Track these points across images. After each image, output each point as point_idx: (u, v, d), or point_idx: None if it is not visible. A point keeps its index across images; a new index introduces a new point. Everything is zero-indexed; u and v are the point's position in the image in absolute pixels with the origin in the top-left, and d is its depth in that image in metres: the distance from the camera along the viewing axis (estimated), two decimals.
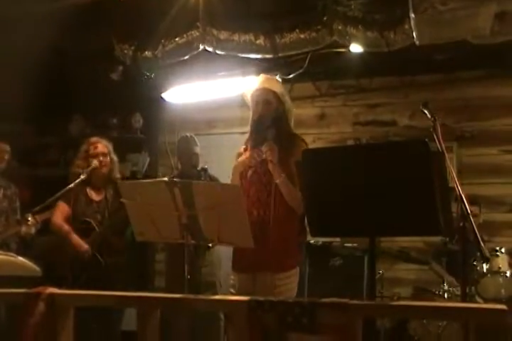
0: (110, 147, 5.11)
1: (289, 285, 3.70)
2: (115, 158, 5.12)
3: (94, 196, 5.01)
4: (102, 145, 5.04)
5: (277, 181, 3.65)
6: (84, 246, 4.75)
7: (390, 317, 4.67)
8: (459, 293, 4.91)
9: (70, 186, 4.69)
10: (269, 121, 3.78)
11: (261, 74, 4.10)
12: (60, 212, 4.91)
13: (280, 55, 5.63)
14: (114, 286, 4.66)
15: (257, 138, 3.82)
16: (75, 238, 4.77)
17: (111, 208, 4.94)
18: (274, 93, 3.84)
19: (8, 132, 6.55)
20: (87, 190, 4.99)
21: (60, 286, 3.02)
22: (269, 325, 2.44)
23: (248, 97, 3.95)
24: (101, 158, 4.95)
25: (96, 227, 4.86)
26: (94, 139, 5.11)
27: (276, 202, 3.66)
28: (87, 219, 4.87)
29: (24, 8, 5.20)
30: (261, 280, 3.65)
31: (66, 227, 4.84)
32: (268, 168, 3.71)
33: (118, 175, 5.11)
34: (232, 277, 3.90)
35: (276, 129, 3.78)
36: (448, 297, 5.10)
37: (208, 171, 4.49)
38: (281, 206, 3.68)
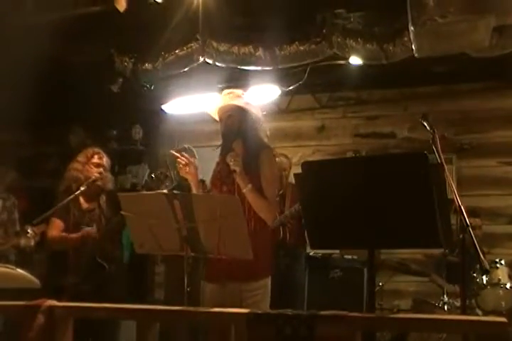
0: (109, 163, 5.08)
1: (258, 296, 3.68)
2: (110, 176, 5.08)
3: (86, 206, 4.94)
4: (105, 159, 5.01)
5: (244, 191, 3.68)
6: (93, 231, 4.72)
7: (390, 329, 4.65)
8: (459, 304, 4.90)
9: (70, 197, 4.66)
10: (235, 134, 3.82)
11: (224, 90, 4.12)
12: (55, 228, 4.87)
13: (280, 67, 5.65)
14: (116, 292, 4.66)
15: (224, 151, 3.86)
16: (75, 234, 4.74)
17: (106, 215, 4.92)
18: (236, 106, 3.87)
19: (8, 142, 6.56)
20: (79, 200, 4.93)
21: (59, 297, 3.01)
22: (268, 337, 2.44)
23: (213, 114, 3.99)
24: (101, 170, 4.93)
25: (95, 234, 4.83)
26: (98, 150, 5.08)
27: (246, 213, 3.66)
28: (83, 227, 4.84)
29: (24, 19, 5.22)
30: (229, 290, 3.67)
31: (62, 234, 4.81)
32: (235, 179, 3.74)
33: (111, 188, 5.06)
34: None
35: (243, 141, 3.81)
36: (448, 309, 5.09)
37: (205, 183, 4.48)
38: (250, 216, 3.69)
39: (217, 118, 3.96)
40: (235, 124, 3.84)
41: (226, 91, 4.05)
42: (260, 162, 3.77)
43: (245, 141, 3.83)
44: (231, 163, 3.68)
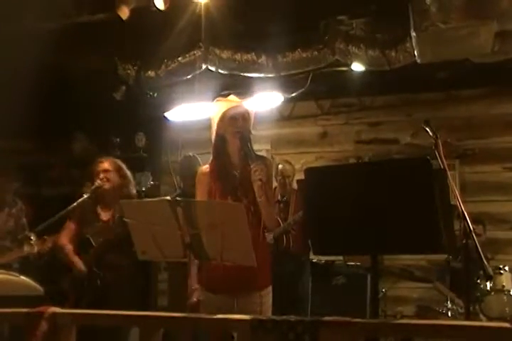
0: (118, 164, 4.99)
1: (270, 301, 3.70)
2: (128, 175, 5.01)
3: (103, 215, 4.90)
4: (107, 163, 4.93)
5: (259, 200, 3.63)
6: (82, 267, 4.70)
7: (393, 335, 4.64)
8: (462, 311, 4.89)
9: (72, 205, 4.66)
10: (247, 138, 3.74)
11: (231, 95, 4.05)
12: (66, 232, 4.88)
13: (282, 74, 5.66)
14: (113, 301, 4.62)
15: (218, 151, 3.78)
16: (75, 259, 4.73)
17: (114, 226, 4.87)
18: (248, 111, 3.81)
19: (11, 150, 6.57)
20: (97, 209, 4.91)
21: (62, 304, 3.01)
22: None
23: (215, 119, 3.79)
24: (101, 175, 4.88)
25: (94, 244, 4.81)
26: (100, 158, 5.05)
27: (258, 222, 3.65)
28: (88, 236, 4.82)
29: (27, 27, 5.24)
30: (245, 299, 3.63)
31: (68, 247, 4.81)
32: (249, 189, 3.66)
33: (133, 191, 4.99)
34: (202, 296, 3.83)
35: (249, 149, 3.74)
36: (452, 315, 5.08)
37: None
38: (258, 225, 3.67)
39: (215, 124, 3.85)
40: (247, 128, 3.78)
41: (234, 96, 4.00)
42: (267, 171, 3.72)
43: (250, 150, 3.77)
44: (259, 173, 3.55)
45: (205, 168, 3.85)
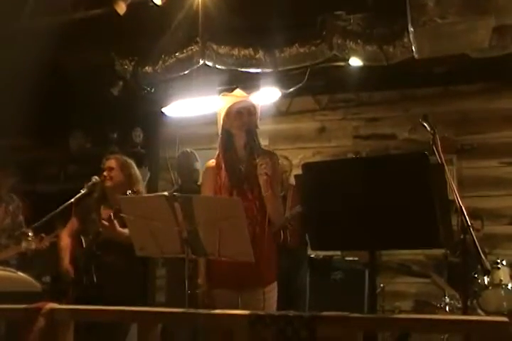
0: (123, 162, 4.88)
1: (274, 297, 3.70)
2: (133, 173, 4.86)
3: (104, 214, 4.74)
4: (113, 161, 4.84)
5: (265, 194, 3.61)
6: (70, 270, 4.66)
7: (391, 330, 4.65)
8: (460, 305, 4.90)
9: (69, 201, 4.62)
10: (254, 132, 3.72)
11: (236, 89, 4.02)
12: (68, 228, 4.85)
13: (280, 69, 5.65)
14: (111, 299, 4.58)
15: (227, 146, 3.78)
16: (65, 260, 4.69)
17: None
18: (255, 106, 3.80)
19: (8, 147, 6.56)
20: (101, 207, 4.78)
21: (60, 300, 3.01)
22: (269, 339, 2.43)
23: (221, 114, 3.78)
24: (105, 173, 4.82)
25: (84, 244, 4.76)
26: (108, 156, 4.96)
27: (263, 218, 3.64)
28: (81, 236, 4.77)
29: (24, 23, 5.23)
30: (249, 295, 3.62)
31: (63, 243, 4.78)
32: (255, 183, 3.65)
33: (139, 190, 4.77)
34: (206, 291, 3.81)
35: (255, 143, 3.73)
36: (449, 310, 5.08)
37: None
38: (264, 221, 3.65)
39: (221, 118, 3.83)
40: (253, 122, 3.77)
41: (236, 91, 3.97)
42: (273, 165, 3.68)
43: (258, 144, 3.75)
44: (265, 167, 3.54)
45: (212, 162, 3.85)
